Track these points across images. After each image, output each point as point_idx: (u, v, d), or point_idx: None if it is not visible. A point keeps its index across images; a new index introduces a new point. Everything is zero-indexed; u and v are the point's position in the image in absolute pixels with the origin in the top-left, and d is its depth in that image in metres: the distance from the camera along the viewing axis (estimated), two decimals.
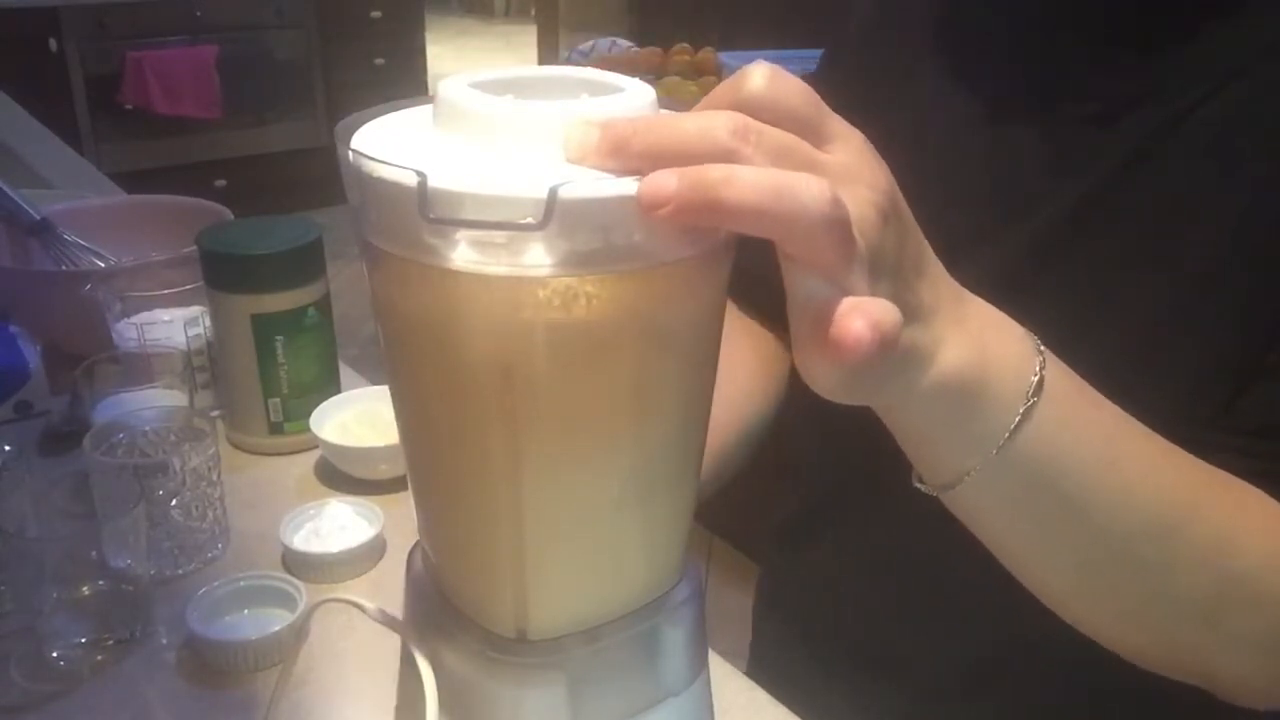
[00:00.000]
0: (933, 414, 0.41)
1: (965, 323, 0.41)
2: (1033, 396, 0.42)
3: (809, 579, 0.78)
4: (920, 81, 0.66)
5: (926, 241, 0.40)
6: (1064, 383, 0.44)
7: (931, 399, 0.40)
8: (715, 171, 0.32)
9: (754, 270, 0.42)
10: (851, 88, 0.38)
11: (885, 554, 0.69)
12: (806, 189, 0.32)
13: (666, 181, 0.32)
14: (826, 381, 0.37)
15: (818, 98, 0.36)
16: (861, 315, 0.33)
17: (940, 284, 0.40)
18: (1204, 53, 0.55)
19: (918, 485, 0.46)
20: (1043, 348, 0.43)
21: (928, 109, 0.64)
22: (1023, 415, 0.42)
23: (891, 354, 0.36)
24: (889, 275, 0.37)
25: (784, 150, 0.34)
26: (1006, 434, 0.42)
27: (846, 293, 0.34)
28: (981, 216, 0.59)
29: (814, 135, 0.35)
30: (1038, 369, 0.42)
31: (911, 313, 0.38)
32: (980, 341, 0.41)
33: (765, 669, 0.70)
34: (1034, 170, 0.59)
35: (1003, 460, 0.42)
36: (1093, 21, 0.59)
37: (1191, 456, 0.48)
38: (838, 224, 0.33)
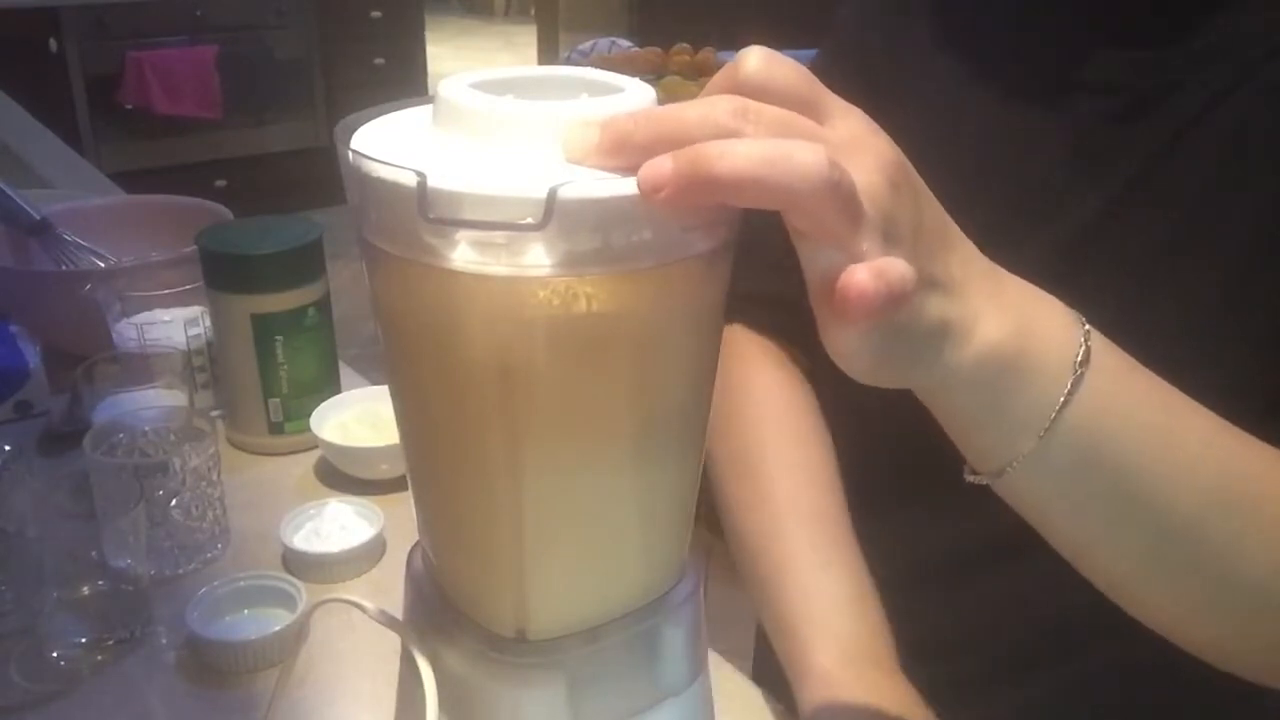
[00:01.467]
0: (977, 392, 0.40)
1: (1002, 296, 0.40)
2: (1080, 367, 0.40)
3: None
4: (928, 81, 0.65)
5: (949, 218, 0.39)
6: (1111, 355, 0.42)
7: (973, 376, 0.39)
8: (710, 147, 0.32)
9: (755, 294, 0.41)
10: (850, 90, 0.38)
11: (887, 563, 0.68)
12: (802, 154, 0.32)
13: (663, 164, 0.32)
14: (855, 358, 0.37)
15: (813, 77, 0.36)
16: (866, 267, 0.33)
17: (971, 259, 0.40)
18: (1230, 38, 0.54)
19: (969, 478, 0.44)
20: (1086, 323, 0.42)
21: (940, 110, 0.63)
22: (1071, 387, 0.40)
23: (905, 310, 0.35)
24: (907, 243, 0.36)
25: (784, 125, 0.34)
26: (1056, 409, 0.40)
27: (860, 260, 0.34)
28: (1006, 219, 0.57)
29: (813, 112, 0.35)
30: (1083, 340, 0.41)
31: (940, 285, 0.37)
32: (1020, 315, 0.40)
33: (774, 673, 0.69)
34: (1059, 169, 0.59)
35: (1054, 438, 0.41)
36: (1109, 14, 0.59)
37: (1239, 429, 0.46)
38: (839, 186, 0.33)
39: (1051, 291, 0.43)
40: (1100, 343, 0.42)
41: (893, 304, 0.34)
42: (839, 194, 0.33)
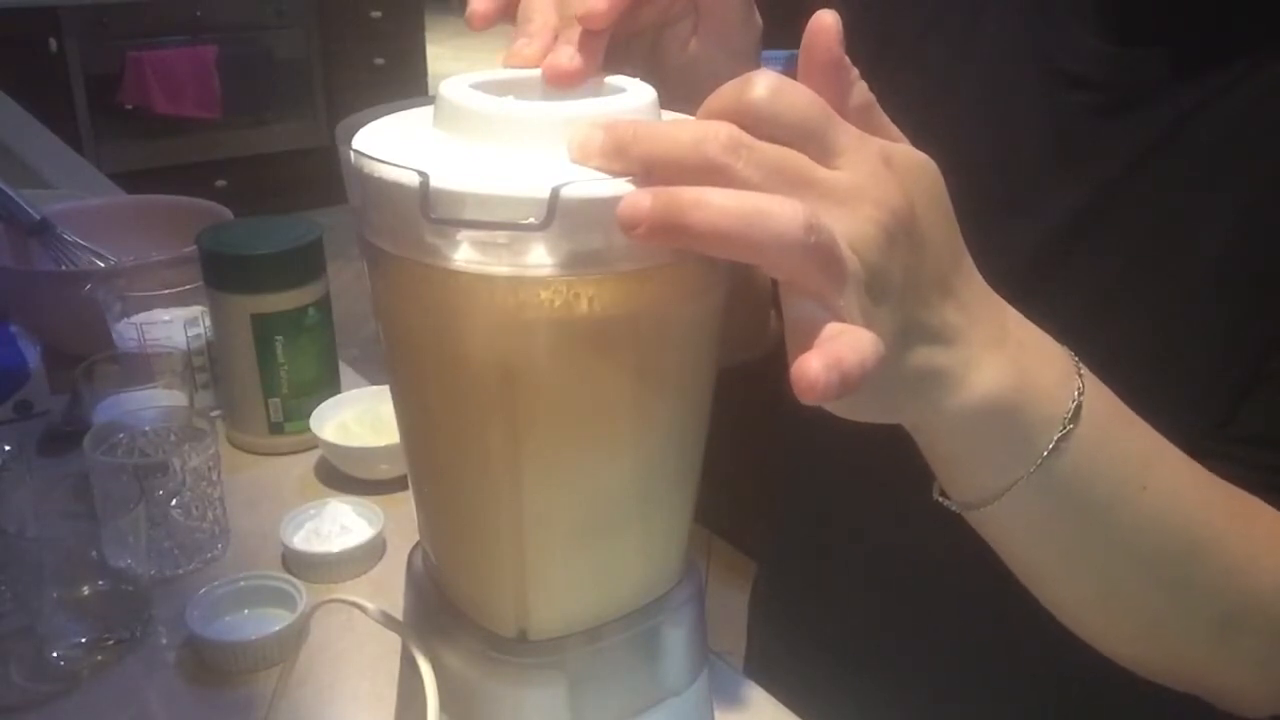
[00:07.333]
0: (964, 436, 0.40)
1: (1003, 345, 0.40)
2: (1069, 423, 0.41)
3: (804, 585, 0.77)
4: (920, 71, 0.65)
5: (965, 257, 0.39)
6: (1101, 404, 0.43)
7: (962, 421, 0.39)
8: (687, 194, 0.31)
9: None
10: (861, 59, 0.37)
11: (876, 559, 0.69)
12: (779, 214, 0.31)
13: (641, 201, 0.31)
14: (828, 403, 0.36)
15: (827, 108, 0.34)
16: (821, 355, 0.31)
17: (975, 304, 0.39)
18: (1210, 50, 0.54)
19: (939, 499, 0.45)
20: (1082, 368, 0.42)
21: (931, 98, 0.63)
22: (1058, 441, 0.41)
23: (879, 370, 0.34)
24: (895, 297, 0.35)
25: (777, 168, 0.33)
26: (1040, 459, 0.41)
27: (837, 316, 0.33)
28: (989, 215, 0.58)
29: (818, 149, 0.34)
30: (1076, 394, 0.41)
31: (932, 334, 0.37)
32: (1018, 365, 0.40)
33: (764, 669, 0.70)
34: (1040, 164, 0.59)
35: (1034, 484, 0.41)
36: (1100, 7, 0.58)
37: (1214, 476, 0.47)
38: (815, 249, 0.31)
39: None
40: (1092, 392, 0.42)
41: (847, 390, 0.32)
42: (814, 256, 0.32)
